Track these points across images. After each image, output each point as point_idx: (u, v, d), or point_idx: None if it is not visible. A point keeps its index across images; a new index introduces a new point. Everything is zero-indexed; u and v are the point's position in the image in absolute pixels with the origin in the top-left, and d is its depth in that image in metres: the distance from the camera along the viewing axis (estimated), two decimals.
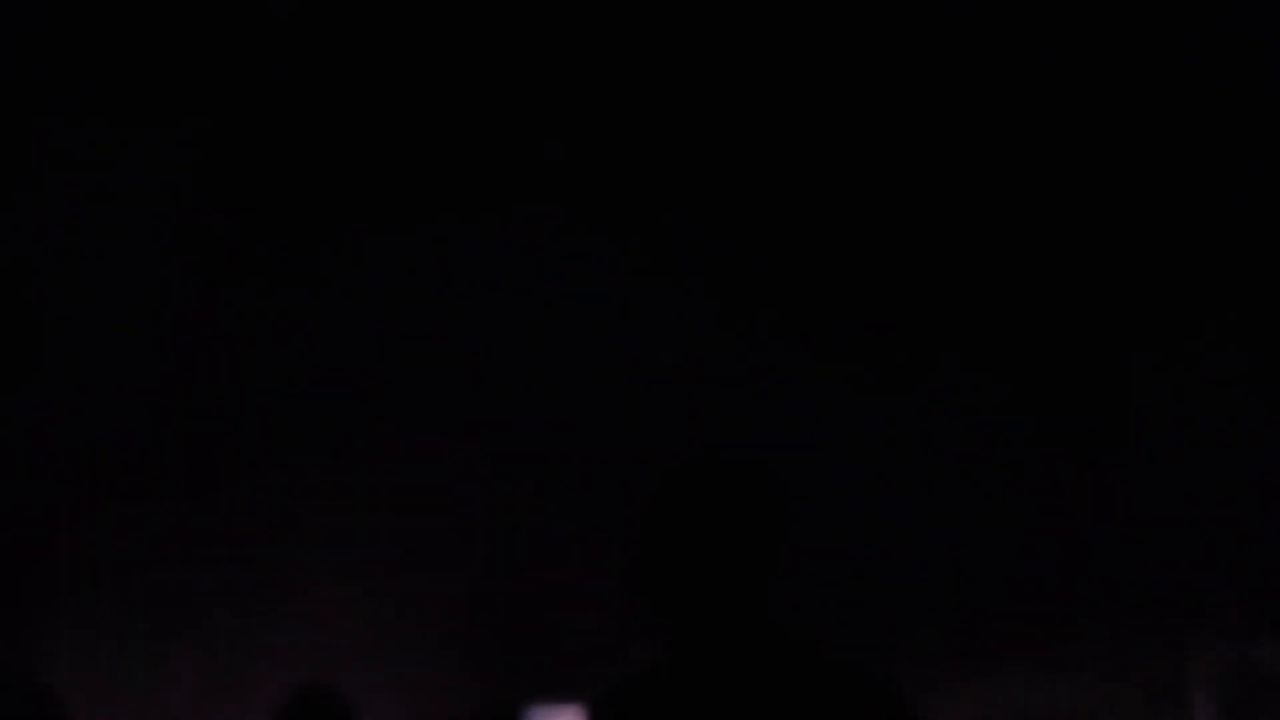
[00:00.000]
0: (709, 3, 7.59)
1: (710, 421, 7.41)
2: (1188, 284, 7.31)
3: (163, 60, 7.39)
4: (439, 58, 7.61)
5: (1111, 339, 7.39)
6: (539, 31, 7.65)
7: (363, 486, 7.71)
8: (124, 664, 6.87)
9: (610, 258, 7.72)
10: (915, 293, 7.68)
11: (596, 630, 7.16)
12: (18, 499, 7.44)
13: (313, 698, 5.55)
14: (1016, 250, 7.57)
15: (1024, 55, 7.47)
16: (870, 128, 7.68)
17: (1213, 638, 6.56)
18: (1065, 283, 7.46)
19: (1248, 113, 7.24)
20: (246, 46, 7.39)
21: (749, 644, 3.28)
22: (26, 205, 7.35)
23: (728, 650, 3.28)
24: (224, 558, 7.66)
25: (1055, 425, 7.18)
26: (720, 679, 3.27)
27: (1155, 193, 7.44)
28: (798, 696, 3.22)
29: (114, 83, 7.33)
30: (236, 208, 7.60)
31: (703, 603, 3.27)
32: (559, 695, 6.19)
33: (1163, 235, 7.44)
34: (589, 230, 7.67)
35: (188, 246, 7.49)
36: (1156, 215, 7.43)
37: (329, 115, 7.55)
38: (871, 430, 7.41)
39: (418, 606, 7.73)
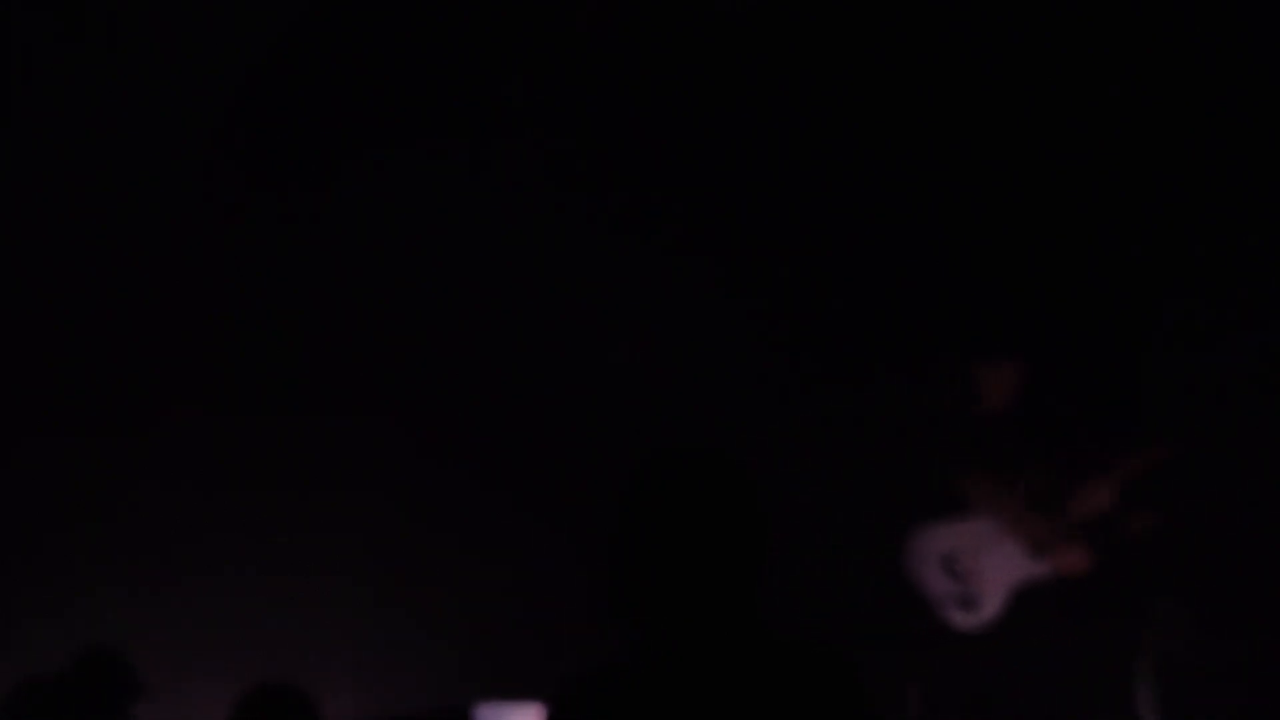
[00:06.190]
0: None
1: (677, 415, 7.39)
2: (1193, 290, 7.28)
3: None
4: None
5: (1097, 341, 7.37)
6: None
7: (339, 478, 7.69)
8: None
9: (594, 261, 7.68)
10: (912, 289, 7.63)
11: (556, 627, 7.13)
12: None
13: (272, 693, 5.45)
14: (1014, 254, 7.53)
15: (1021, 54, 7.42)
16: (867, 112, 7.61)
17: (1158, 633, 6.58)
18: (1064, 292, 7.43)
19: (1250, 111, 7.19)
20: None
21: (717, 640, 3.24)
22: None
23: (695, 646, 3.23)
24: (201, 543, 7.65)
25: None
26: (687, 674, 3.22)
27: (1156, 191, 7.39)
28: (756, 686, 3.20)
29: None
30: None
31: (673, 598, 3.23)
32: (511, 693, 6.13)
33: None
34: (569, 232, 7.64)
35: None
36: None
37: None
38: (824, 425, 7.42)
39: (392, 603, 7.70)
